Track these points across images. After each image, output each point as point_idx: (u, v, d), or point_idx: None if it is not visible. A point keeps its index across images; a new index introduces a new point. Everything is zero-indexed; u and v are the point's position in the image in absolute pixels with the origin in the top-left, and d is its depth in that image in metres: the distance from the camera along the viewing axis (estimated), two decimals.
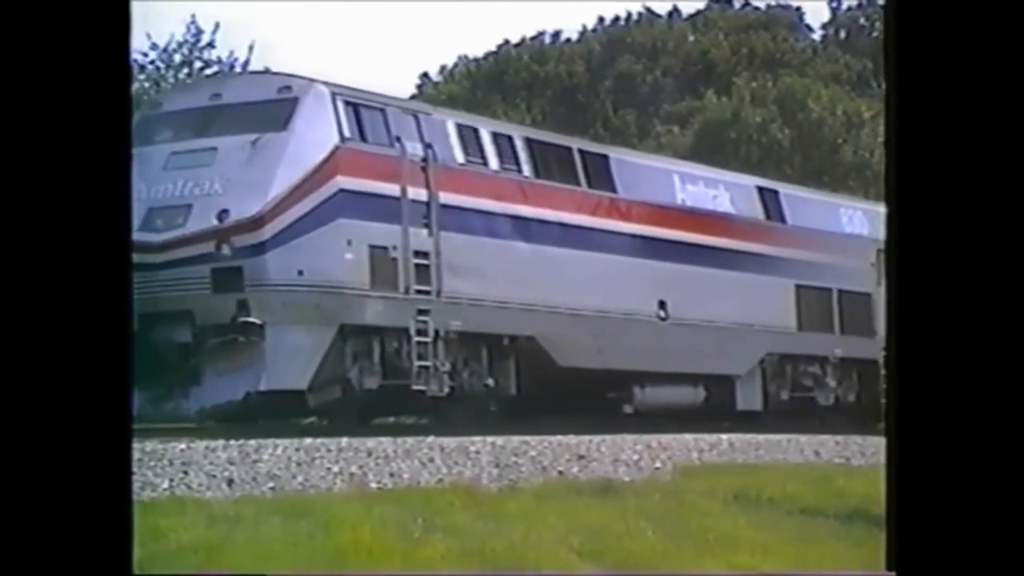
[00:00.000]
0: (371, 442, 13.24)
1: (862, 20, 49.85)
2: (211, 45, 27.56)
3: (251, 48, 28.80)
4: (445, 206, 16.44)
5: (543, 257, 17.75)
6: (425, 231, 16.17)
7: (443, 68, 49.47)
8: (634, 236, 19.29)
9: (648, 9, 49.08)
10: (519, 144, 17.99)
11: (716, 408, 20.37)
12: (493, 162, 17.48)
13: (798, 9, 50.38)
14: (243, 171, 14.73)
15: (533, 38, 49.66)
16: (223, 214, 14.49)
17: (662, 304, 19.53)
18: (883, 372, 23.02)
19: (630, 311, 18.97)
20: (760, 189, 22.44)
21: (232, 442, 12.22)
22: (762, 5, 49.61)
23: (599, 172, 19.12)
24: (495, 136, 17.78)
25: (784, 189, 23.42)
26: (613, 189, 19.21)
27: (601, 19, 49.52)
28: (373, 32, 74.61)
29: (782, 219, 22.29)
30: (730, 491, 14.02)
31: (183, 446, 11.76)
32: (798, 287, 22.18)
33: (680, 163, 23.11)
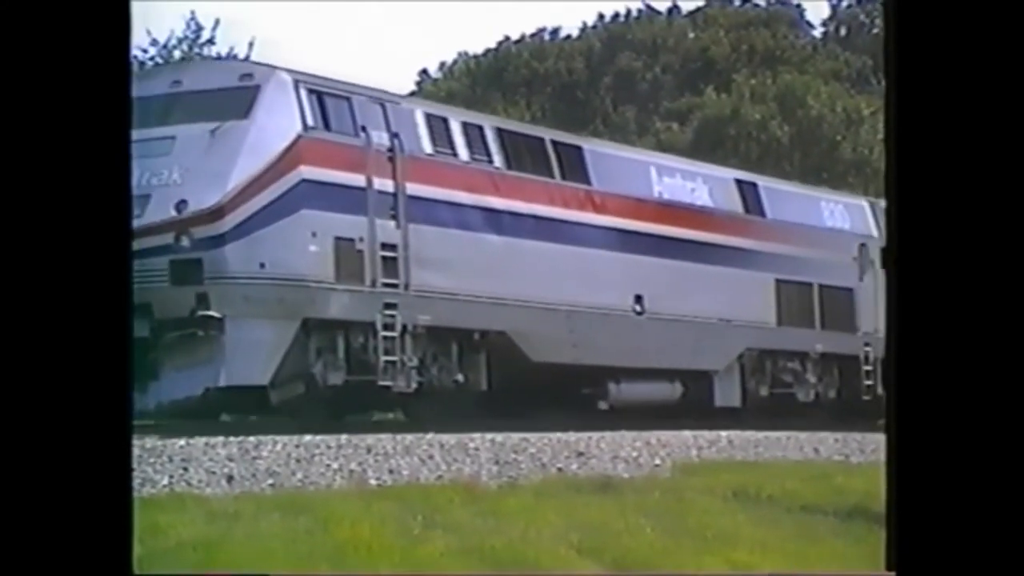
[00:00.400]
0: (371, 439, 13.27)
1: (862, 17, 49.84)
2: (211, 42, 27.55)
3: (251, 45, 28.65)
4: (413, 197, 16.12)
5: (515, 250, 17.47)
6: (392, 223, 15.85)
7: (443, 65, 49.52)
8: (609, 229, 19.00)
9: (648, 6, 49.08)
10: (490, 135, 17.68)
11: (694, 404, 20.02)
12: (463, 153, 17.15)
13: (798, 6, 50.39)
14: (202, 160, 14.41)
15: (533, 35, 49.67)
16: (181, 205, 14.17)
17: (638, 298, 19.26)
18: (865, 368, 22.90)
19: (605, 305, 18.70)
20: (739, 182, 22.12)
21: (232, 439, 12.25)
22: (762, 2, 49.62)
23: (573, 164, 18.81)
24: (465, 126, 17.45)
25: (763, 182, 23.09)
26: (587, 181, 18.91)
27: (601, 16, 49.54)
28: (373, 29, 74.59)
29: (761, 212, 21.97)
30: (729, 488, 14.04)
31: (183, 442, 11.79)
32: (778, 281, 21.85)
33: (657, 155, 22.80)
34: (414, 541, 10.24)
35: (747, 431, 18.12)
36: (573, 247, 18.29)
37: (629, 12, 49.10)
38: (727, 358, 20.79)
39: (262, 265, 14.51)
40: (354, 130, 15.66)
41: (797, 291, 22.25)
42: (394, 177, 15.92)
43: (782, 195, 22.99)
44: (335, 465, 12.51)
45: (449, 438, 13.84)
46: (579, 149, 19.23)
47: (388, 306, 15.57)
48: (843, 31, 50.18)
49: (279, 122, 14.98)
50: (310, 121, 15.19)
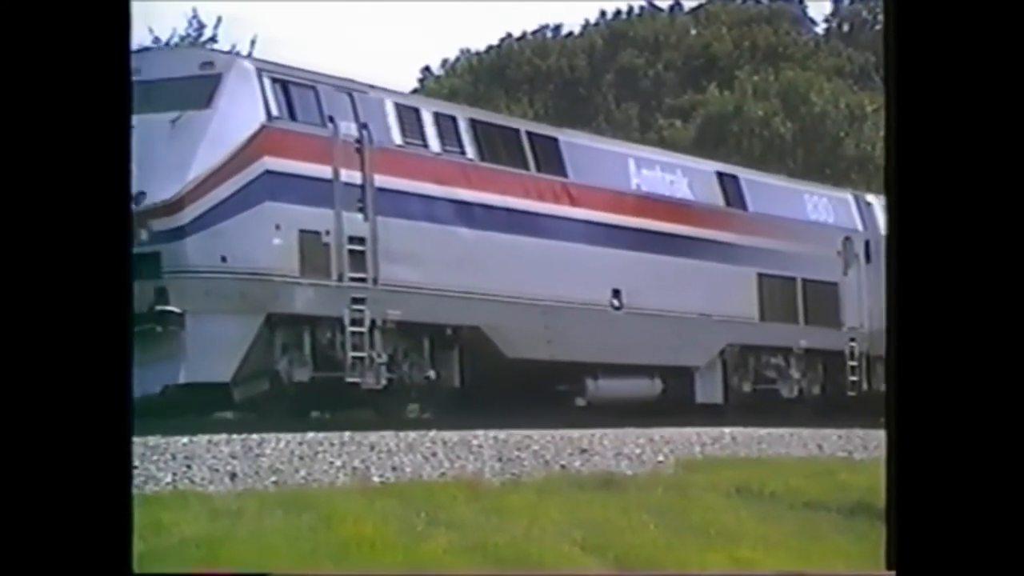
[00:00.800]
0: (373, 436, 13.28)
1: (864, 13, 49.79)
2: (213, 40, 27.51)
3: (253, 43, 28.70)
4: (382, 189, 15.74)
5: (488, 244, 17.11)
6: (360, 216, 15.46)
7: (445, 62, 49.53)
8: (586, 222, 18.65)
9: (650, 3, 49.04)
10: (463, 126, 17.28)
11: (674, 401, 19.71)
12: (434, 144, 16.74)
13: (800, 2, 50.37)
14: (162, 151, 13.92)
15: (535, 32, 49.65)
16: (139, 196, 13.59)
17: (616, 293, 18.92)
18: (850, 363, 22.65)
19: (582, 300, 18.34)
20: (720, 175, 21.74)
21: (235, 436, 12.24)
22: None
23: (549, 155, 18.43)
24: (437, 117, 17.04)
25: (745, 175, 22.67)
26: (564, 173, 18.55)
27: (603, 13, 49.53)
28: (375, 26, 74.59)
29: (743, 205, 21.59)
30: (732, 485, 14.04)
31: (186, 440, 11.79)
32: (760, 276, 21.52)
33: (635, 147, 22.31)
34: (417, 538, 10.25)
35: (750, 427, 18.11)
36: (549, 240, 17.97)
37: (631, 9, 49.10)
38: (708, 354, 20.46)
39: (223, 259, 14.20)
40: (321, 120, 15.30)
41: (780, 286, 21.93)
42: (362, 169, 15.55)
43: (764, 188, 22.63)
44: (338, 462, 12.52)
45: (452, 435, 13.86)
46: (555, 141, 18.87)
47: (356, 301, 15.21)
48: (846, 27, 50.15)
49: (241, 112, 14.60)
50: (274, 111, 14.83)
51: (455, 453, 13.54)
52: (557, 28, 49.89)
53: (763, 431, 18.10)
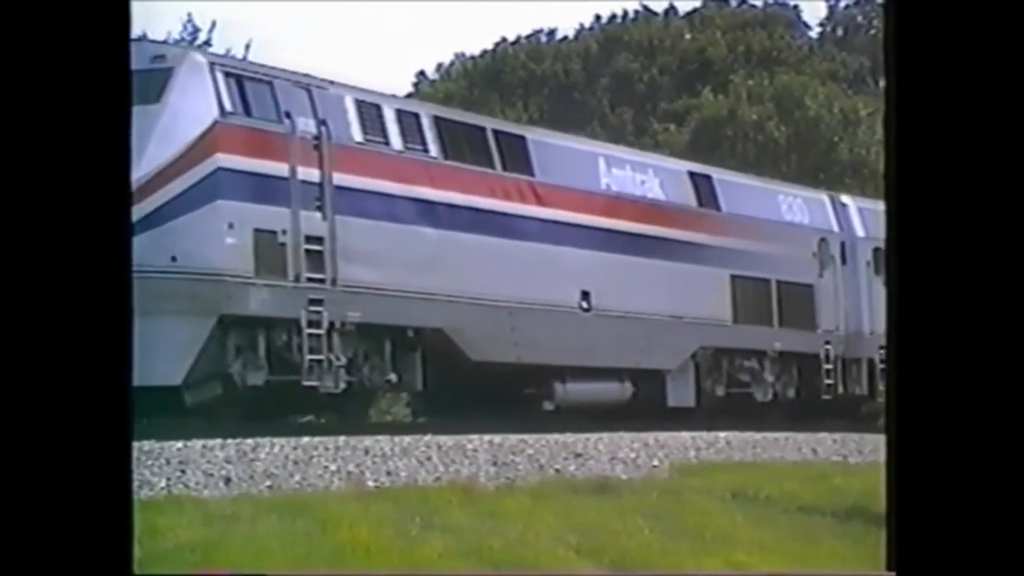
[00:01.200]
0: (368, 440, 13.29)
1: (859, 18, 49.86)
2: (208, 43, 27.55)
3: (247, 46, 28.73)
4: (341, 188, 15.37)
5: (452, 244, 16.73)
6: (319, 214, 15.07)
7: (440, 66, 49.51)
8: (554, 222, 18.26)
9: (645, 7, 49.05)
10: (426, 123, 16.88)
11: (645, 405, 19.34)
12: (396, 141, 16.36)
13: (795, 7, 50.44)
14: None
15: (529, 36, 49.64)
16: None
17: (585, 295, 18.55)
18: (825, 367, 22.39)
19: (549, 302, 17.98)
20: (692, 174, 21.38)
21: (229, 441, 12.22)
22: (759, 3, 49.67)
23: (515, 154, 18.05)
24: (399, 114, 16.63)
25: (718, 175, 22.32)
26: (531, 172, 18.18)
27: (598, 17, 49.54)
28: (370, 30, 74.59)
29: (716, 206, 21.23)
30: (728, 489, 14.06)
31: (180, 445, 11.78)
32: (733, 277, 21.16)
33: (605, 146, 21.85)
34: (412, 543, 10.26)
35: (745, 432, 18.11)
36: (515, 241, 17.63)
37: (626, 13, 49.12)
38: (680, 357, 20.11)
39: (174, 258, 13.84)
40: (277, 116, 14.92)
41: (754, 287, 21.56)
42: (320, 166, 15.18)
43: (738, 188, 22.25)
44: (333, 467, 12.52)
45: (447, 439, 13.87)
46: (522, 139, 18.51)
47: (313, 302, 14.84)
48: (840, 32, 50.20)
49: (193, 107, 14.21)
50: (228, 106, 14.44)
51: (450, 457, 13.55)
52: (552, 32, 49.94)
53: (758, 435, 18.12)
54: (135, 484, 10.20)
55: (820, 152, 38.18)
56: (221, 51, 27.18)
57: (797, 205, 23.21)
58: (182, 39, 27.27)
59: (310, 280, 14.85)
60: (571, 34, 49.40)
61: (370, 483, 12.53)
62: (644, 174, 20.18)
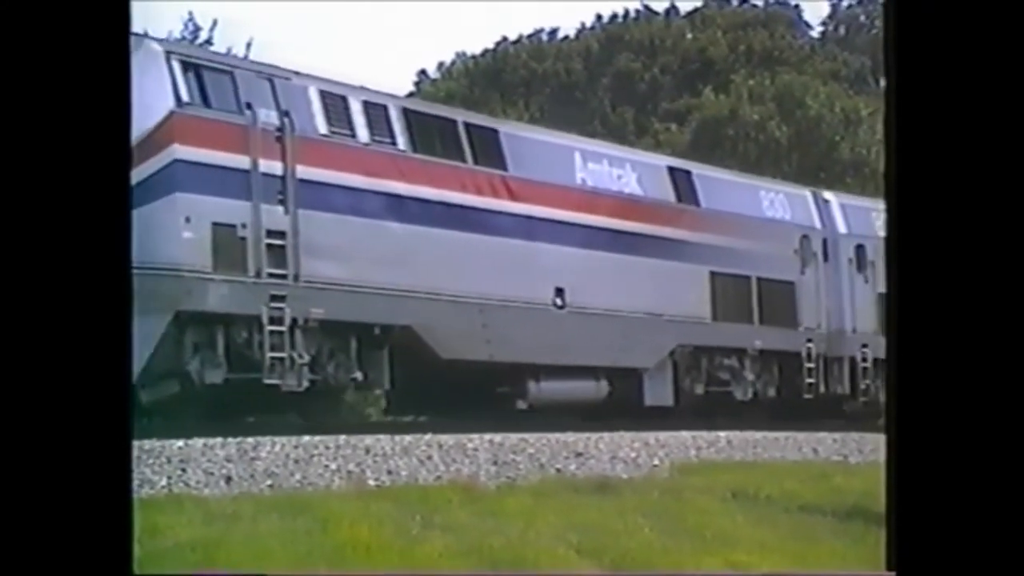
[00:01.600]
0: (369, 439, 13.30)
1: (862, 17, 49.85)
2: (209, 42, 27.55)
3: (248, 45, 28.73)
4: (305, 181, 15.03)
5: (421, 239, 16.36)
6: (281, 208, 14.74)
7: (441, 65, 49.49)
8: (527, 218, 17.91)
9: (646, 6, 49.04)
10: (394, 115, 16.51)
11: (621, 404, 19.02)
12: (363, 134, 16.00)
13: (796, 6, 50.43)
14: None
15: (531, 35, 49.65)
16: None
17: (559, 291, 18.20)
18: (807, 365, 22.03)
19: (522, 299, 17.62)
20: (671, 169, 21.08)
21: (230, 439, 12.23)
22: (760, 2, 49.64)
23: (488, 147, 17.66)
24: (366, 106, 16.21)
25: (698, 170, 21.95)
26: (503, 166, 17.82)
27: (599, 17, 49.52)
28: (371, 29, 74.58)
29: (695, 201, 20.87)
30: (728, 488, 14.06)
31: (181, 443, 11.79)
32: (713, 274, 20.79)
33: (581, 140, 21.29)
34: (412, 542, 10.26)
35: (746, 431, 18.12)
36: (487, 236, 17.27)
37: (627, 13, 49.09)
38: (658, 355, 19.78)
39: None
40: (238, 107, 14.59)
41: (734, 284, 21.20)
42: (283, 159, 14.84)
43: (718, 183, 21.90)
44: (333, 466, 12.53)
45: (447, 439, 13.88)
46: (495, 132, 18.15)
47: (275, 298, 14.51)
48: (842, 31, 50.19)
49: (148, 96, 13.67)
50: (184, 96, 14.12)
51: (450, 456, 13.55)
52: (553, 32, 49.93)
53: (758, 435, 18.12)
54: (135, 483, 10.24)
55: (821, 152, 38.16)
56: (222, 50, 27.22)
57: (779, 201, 22.87)
58: (183, 38, 27.27)
59: (271, 276, 14.53)
60: (572, 33, 49.41)
61: (371, 482, 12.54)
62: (621, 169, 19.85)
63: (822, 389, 22.37)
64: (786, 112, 38.62)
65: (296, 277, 14.77)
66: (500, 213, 17.54)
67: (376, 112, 16.25)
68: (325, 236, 15.15)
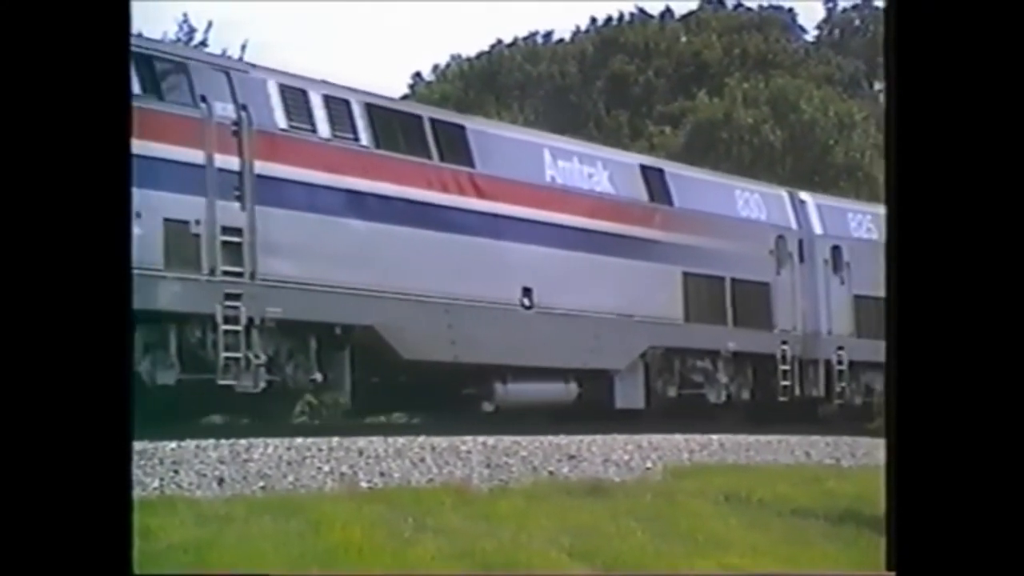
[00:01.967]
0: (362, 441, 13.28)
1: (857, 21, 49.94)
2: (204, 44, 27.55)
3: (243, 47, 28.76)
4: (263, 177, 14.58)
5: (384, 237, 15.94)
6: (237, 204, 14.29)
7: (436, 67, 49.57)
8: (494, 216, 17.47)
9: (641, 10, 49.12)
10: (357, 110, 16.02)
11: (591, 406, 18.58)
12: (324, 129, 15.56)
13: (790, 10, 50.56)
14: None
15: (526, 38, 49.73)
16: None
17: (527, 291, 17.77)
18: (782, 368, 21.66)
19: (489, 298, 17.17)
20: (643, 168, 20.66)
21: (223, 441, 12.22)
22: (754, 6, 49.73)
23: (454, 144, 17.24)
24: (327, 100, 15.75)
25: (671, 168, 21.57)
26: (470, 163, 17.35)
27: (594, 19, 49.60)
28: (366, 31, 74.62)
29: (668, 200, 20.42)
30: (721, 492, 14.06)
31: (173, 445, 11.76)
32: (685, 275, 20.33)
33: (551, 137, 20.73)
34: (405, 544, 10.26)
35: (739, 435, 18.13)
36: (452, 235, 16.86)
37: (622, 16, 49.16)
38: (628, 356, 19.33)
39: None
40: (192, 100, 14.20)
41: (707, 285, 20.75)
42: (240, 154, 14.39)
43: (692, 183, 21.48)
44: (326, 468, 12.52)
45: (440, 441, 13.87)
46: (462, 129, 17.70)
47: (230, 297, 14.10)
48: (836, 35, 50.28)
49: None
50: (136, 88, 13.58)
51: (443, 459, 13.55)
52: (548, 35, 50.02)
53: (751, 438, 18.13)
54: None
55: (815, 155, 38.22)
56: (217, 51, 27.23)
57: (754, 201, 22.40)
58: (178, 39, 27.26)
59: (226, 274, 14.15)
60: (567, 36, 49.49)
61: (363, 484, 12.53)
62: (592, 167, 19.46)
63: (797, 392, 22.01)
64: (780, 116, 38.68)
65: (252, 275, 14.39)
66: (466, 211, 17.15)
67: (338, 107, 15.86)
68: (284, 233, 14.77)
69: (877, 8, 47.24)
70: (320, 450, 12.71)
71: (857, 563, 11.36)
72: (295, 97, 15.36)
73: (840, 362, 22.79)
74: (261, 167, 14.60)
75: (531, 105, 44.26)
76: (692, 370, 20.59)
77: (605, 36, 47.76)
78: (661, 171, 20.95)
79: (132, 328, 5.95)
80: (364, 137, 16.02)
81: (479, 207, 17.33)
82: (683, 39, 46.81)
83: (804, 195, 23.94)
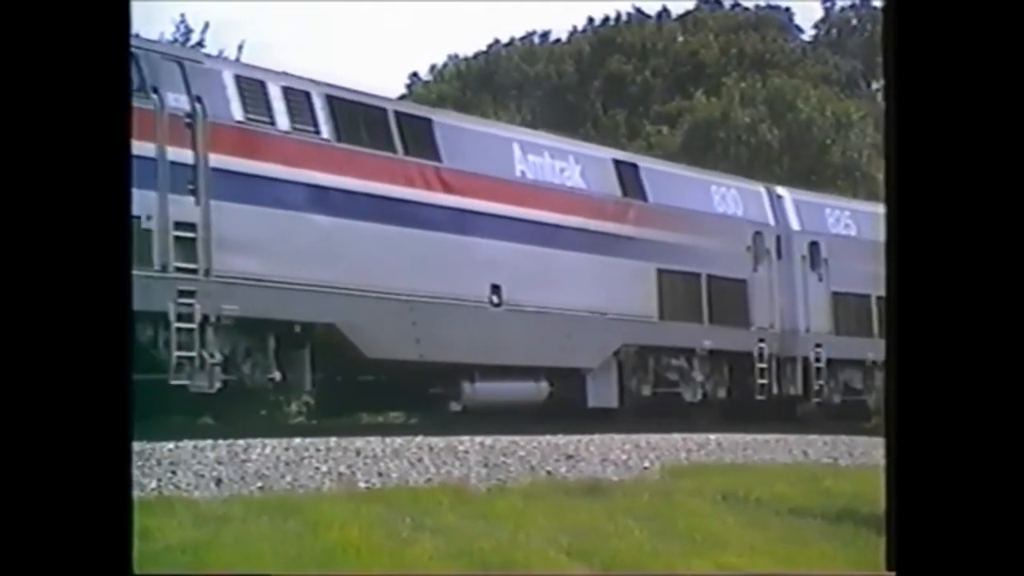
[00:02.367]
0: (360, 442, 13.30)
1: (854, 21, 49.96)
2: (201, 44, 27.54)
3: (240, 47, 28.80)
4: (218, 170, 14.22)
5: (346, 233, 15.59)
6: (191, 198, 13.93)
7: (433, 68, 49.58)
8: (462, 211, 17.11)
9: (638, 9, 49.11)
10: (318, 103, 15.69)
11: (563, 405, 18.34)
12: (282, 121, 15.21)
13: (787, 10, 50.55)
14: None
15: (523, 38, 49.74)
16: None
17: (495, 288, 17.45)
18: (759, 366, 21.43)
19: (455, 296, 16.85)
20: (617, 163, 20.33)
21: (221, 441, 12.23)
22: (751, 6, 49.72)
23: (420, 138, 16.88)
24: (287, 92, 15.39)
25: (645, 163, 21.31)
26: (437, 157, 17.02)
27: (591, 19, 49.59)
28: (363, 32, 74.61)
29: (642, 196, 20.15)
30: (719, 491, 14.07)
31: (171, 446, 11.77)
32: (660, 271, 20.05)
33: (521, 131, 20.53)
34: (403, 544, 10.26)
35: (736, 434, 18.14)
36: (418, 230, 16.49)
37: (619, 16, 49.15)
38: (601, 355, 19.01)
39: None
40: (143, 91, 13.78)
41: (682, 282, 20.48)
42: (194, 147, 14.03)
43: (666, 178, 21.21)
44: (324, 468, 12.52)
45: (438, 441, 13.88)
46: (428, 122, 17.33)
47: (183, 294, 13.78)
48: (834, 34, 50.30)
49: None
50: None
51: (441, 459, 13.56)
52: (545, 34, 50.00)
53: (748, 437, 18.15)
54: None
55: (812, 155, 38.23)
56: (214, 52, 27.23)
57: (731, 196, 22.11)
58: (175, 40, 27.25)
59: (179, 270, 13.83)
60: (564, 36, 49.46)
61: (361, 484, 12.54)
62: (564, 161, 19.14)
63: (774, 390, 21.75)
64: (777, 115, 38.69)
65: (207, 272, 14.05)
66: (433, 206, 16.80)
67: (297, 99, 15.52)
68: (241, 229, 14.40)
69: (875, 7, 47.29)
70: (318, 450, 12.72)
71: (855, 562, 11.37)
72: (252, 89, 15.03)
73: (818, 360, 22.56)
74: (216, 160, 14.26)
75: (528, 105, 44.25)
76: (667, 368, 20.33)
77: (602, 36, 47.74)
78: (635, 166, 20.70)
79: (132, 328, 5.96)
80: (325, 130, 15.70)
81: (446, 202, 16.99)
82: (680, 39, 46.82)
83: (781, 190, 23.65)
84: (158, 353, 13.61)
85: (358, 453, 13.01)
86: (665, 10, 49.19)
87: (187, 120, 14.10)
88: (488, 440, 14.39)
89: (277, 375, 14.90)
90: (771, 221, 22.61)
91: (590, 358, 18.89)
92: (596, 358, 18.99)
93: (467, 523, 11.26)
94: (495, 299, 17.48)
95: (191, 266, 13.87)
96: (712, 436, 17.58)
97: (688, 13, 48.89)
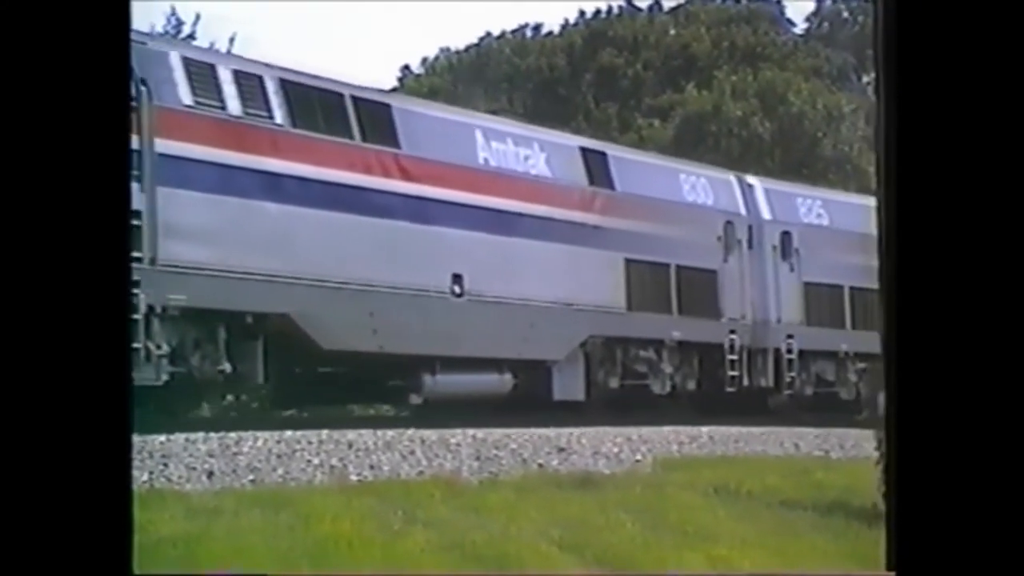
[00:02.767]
0: (351, 434, 13.31)
1: (845, 14, 49.94)
2: (192, 37, 27.51)
3: (232, 40, 28.72)
4: (165, 156, 13.91)
5: (300, 221, 15.30)
6: (136, 185, 13.49)
7: (424, 61, 49.45)
8: (421, 199, 16.81)
9: (629, 3, 49.00)
10: (271, 87, 15.38)
11: (527, 398, 18.07)
12: (233, 106, 14.91)
13: (779, 3, 50.47)
14: None
15: (514, 31, 49.62)
16: None
17: (457, 278, 17.17)
18: (729, 357, 21.20)
19: (415, 286, 16.57)
20: (584, 150, 19.99)
21: (212, 434, 12.22)
22: None
23: (378, 124, 16.57)
24: (237, 75, 15.08)
25: (613, 151, 21.00)
26: (396, 144, 16.74)
27: (582, 13, 49.45)
28: (354, 25, 74.48)
29: (610, 184, 19.87)
30: (710, 484, 14.08)
31: (163, 438, 11.77)
32: (628, 261, 19.80)
33: (484, 117, 20.18)
34: (395, 537, 10.25)
35: (729, 427, 18.16)
36: (375, 219, 16.22)
37: (610, 9, 49.02)
38: (568, 346, 18.74)
39: None
40: None
41: (651, 272, 20.19)
42: (138, 131, 13.60)
43: (635, 166, 20.93)
44: (316, 461, 12.52)
45: (430, 434, 13.88)
46: (387, 107, 17.01)
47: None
48: (825, 27, 50.28)
49: None
50: None
51: (433, 451, 13.56)
52: (537, 27, 49.88)
53: (741, 430, 18.17)
54: None
55: (804, 148, 38.25)
56: (205, 46, 27.15)
57: (701, 185, 21.80)
58: (166, 33, 27.20)
59: None
60: (556, 29, 49.35)
61: (353, 477, 12.54)
62: (529, 149, 18.82)
63: (745, 382, 21.53)
64: (769, 108, 38.70)
65: (153, 260, 13.74)
66: (391, 194, 16.51)
67: (249, 82, 15.20)
68: (189, 216, 14.10)
69: (866, 1, 47.27)
70: (310, 443, 12.72)
71: (846, 554, 11.38)
72: (201, 72, 14.74)
73: (790, 351, 22.33)
74: (163, 146, 13.96)
75: (520, 98, 44.20)
76: (635, 360, 20.06)
77: (594, 29, 47.66)
78: (603, 154, 20.40)
79: (131, 325, 5.97)
80: (279, 115, 15.41)
81: (405, 190, 16.70)
82: (672, 32, 46.76)
83: (752, 179, 23.43)
84: None
85: (350, 446, 13.01)
86: (657, 3, 49.11)
87: (131, 104, 13.61)
88: (480, 433, 14.40)
89: (228, 367, 14.60)
90: (742, 210, 22.38)
91: (556, 350, 18.61)
92: (562, 350, 18.71)
93: (459, 516, 11.26)
94: (457, 289, 17.19)
95: (135, 255, 13.40)
96: (704, 429, 17.60)
97: (680, 6, 48.80)
